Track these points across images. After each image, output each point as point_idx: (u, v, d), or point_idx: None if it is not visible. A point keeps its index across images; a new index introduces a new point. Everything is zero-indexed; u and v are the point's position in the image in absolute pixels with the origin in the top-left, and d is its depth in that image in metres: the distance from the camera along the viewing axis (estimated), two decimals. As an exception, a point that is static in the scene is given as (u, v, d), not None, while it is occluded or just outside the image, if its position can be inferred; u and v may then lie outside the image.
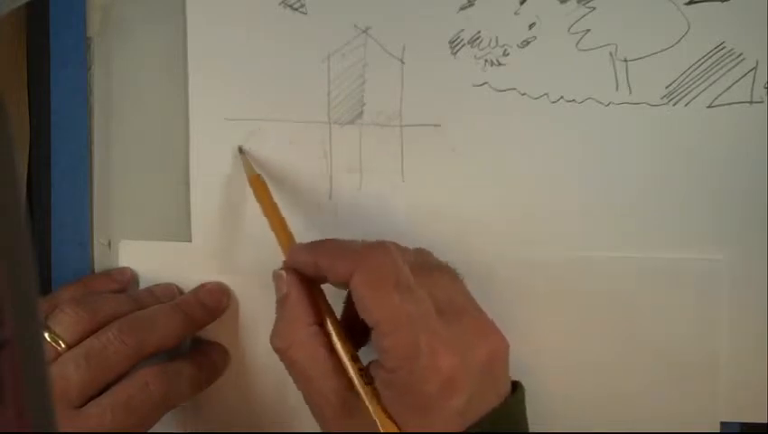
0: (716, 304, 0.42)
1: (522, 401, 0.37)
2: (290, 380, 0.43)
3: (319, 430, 0.42)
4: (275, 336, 0.37)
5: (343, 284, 0.35)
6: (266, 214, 0.40)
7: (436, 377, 0.33)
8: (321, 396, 0.35)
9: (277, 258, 0.42)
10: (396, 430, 0.33)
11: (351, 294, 0.35)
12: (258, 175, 0.41)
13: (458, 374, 0.34)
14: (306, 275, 0.37)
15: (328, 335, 0.36)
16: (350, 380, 0.35)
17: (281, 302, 0.37)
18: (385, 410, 0.34)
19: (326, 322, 0.36)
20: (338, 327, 0.36)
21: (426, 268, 0.37)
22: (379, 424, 0.34)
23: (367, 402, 0.34)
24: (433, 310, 0.35)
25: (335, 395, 0.35)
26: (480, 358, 0.35)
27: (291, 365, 0.36)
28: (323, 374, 0.35)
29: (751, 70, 0.40)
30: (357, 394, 0.35)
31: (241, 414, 0.44)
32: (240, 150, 0.42)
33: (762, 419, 0.42)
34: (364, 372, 0.35)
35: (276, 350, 0.36)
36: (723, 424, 0.42)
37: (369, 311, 0.34)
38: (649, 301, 0.42)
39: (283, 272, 0.37)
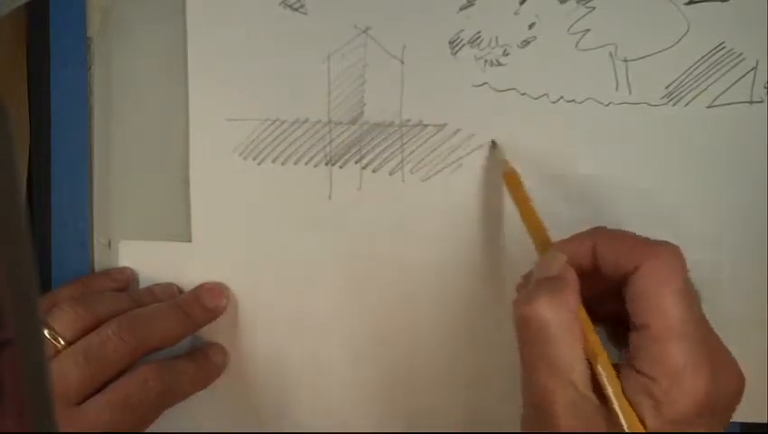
0: (716, 304, 0.42)
1: None
2: (290, 380, 0.43)
3: (319, 430, 0.42)
4: (532, 305, 0.33)
5: (620, 274, 0.33)
6: (521, 211, 0.39)
7: (692, 399, 0.31)
8: (563, 377, 0.32)
9: (276, 258, 0.42)
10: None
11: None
12: (513, 170, 0.40)
13: (710, 402, 0.32)
14: (574, 265, 0.34)
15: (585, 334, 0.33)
16: (590, 382, 0.33)
17: (547, 280, 0.34)
18: (638, 415, 0.32)
19: (584, 321, 0.34)
20: (595, 335, 0.34)
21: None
22: (624, 425, 0.31)
23: (616, 406, 0.32)
24: (704, 322, 0.33)
25: (579, 385, 0.32)
26: (729, 392, 0.33)
27: (541, 339, 0.33)
28: (575, 360, 0.32)
29: (751, 70, 0.40)
30: (594, 398, 0.32)
31: (241, 414, 0.44)
32: (494, 144, 0.41)
33: (762, 419, 0.42)
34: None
35: (529, 319, 0.33)
36: (723, 424, 0.42)
37: (648, 311, 0.32)
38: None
39: (561, 255, 0.35)
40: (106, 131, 0.44)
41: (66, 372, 0.37)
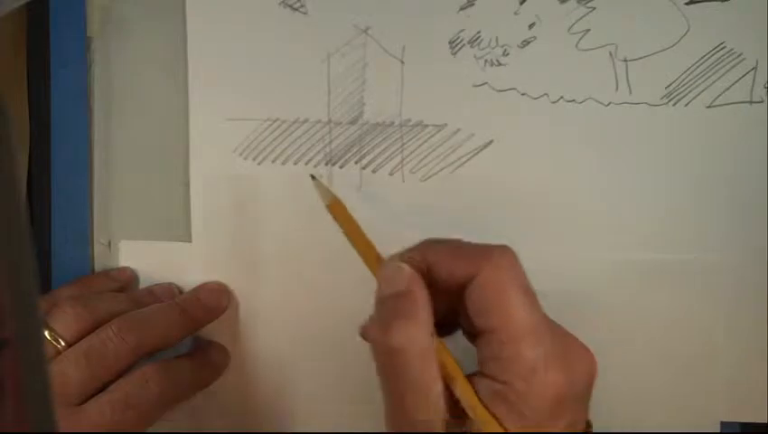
0: (715, 304, 0.42)
1: None
2: (289, 380, 0.43)
3: (319, 430, 0.42)
4: (388, 331, 0.32)
5: (458, 285, 0.33)
6: (350, 236, 0.37)
7: (549, 395, 0.31)
8: (423, 413, 0.32)
9: (277, 258, 0.42)
10: None
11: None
12: (337, 200, 0.38)
13: (565, 394, 0.32)
14: None
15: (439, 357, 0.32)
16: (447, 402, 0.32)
17: (399, 297, 0.33)
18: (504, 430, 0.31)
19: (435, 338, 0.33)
20: (448, 351, 0.33)
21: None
22: None
23: (478, 422, 0.31)
24: (547, 320, 0.33)
25: (439, 416, 0.32)
26: (582, 380, 0.33)
27: (396, 371, 0.32)
28: (433, 392, 0.32)
29: (751, 70, 0.40)
30: (458, 417, 0.32)
31: (241, 414, 0.44)
32: (312, 177, 0.39)
33: (762, 419, 0.42)
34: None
35: (388, 348, 0.32)
36: (722, 424, 0.42)
37: (493, 316, 0.32)
38: (648, 301, 0.42)
39: (405, 265, 0.33)
40: (106, 131, 0.44)
41: (66, 372, 0.37)
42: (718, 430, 0.42)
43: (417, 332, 0.32)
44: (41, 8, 0.42)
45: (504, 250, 0.33)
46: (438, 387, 0.32)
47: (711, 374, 0.42)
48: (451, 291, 0.33)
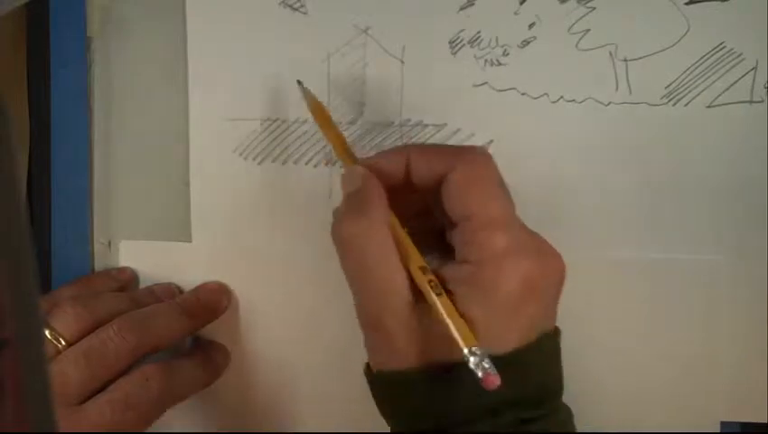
0: (715, 304, 0.42)
1: (559, 341, 0.36)
2: (289, 379, 0.43)
3: (319, 430, 0.42)
4: (341, 224, 0.34)
5: (435, 180, 0.34)
6: (329, 137, 0.39)
7: (519, 279, 0.32)
8: (386, 299, 0.33)
9: (277, 257, 0.42)
10: (473, 337, 0.31)
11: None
12: (320, 103, 0.40)
13: (536, 283, 0.33)
14: (385, 180, 0.35)
15: (398, 240, 0.34)
16: (412, 286, 0.33)
17: (351, 195, 0.35)
18: (462, 314, 0.32)
19: (395, 227, 0.34)
20: (405, 234, 0.34)
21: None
22: (454, 330, 0.32)
23: (441, 308, 0.32)
24: (517, 217, 0.34)
25: (403, 300, 0.33)
26: (552, 274, 0.34)
27: (355, 259, 0.34)
28: (393, 276, 0.33)
29: (751, 70, 0.40)
30: (423, 301, 0.33)
31: (241, 414, 0.44)
32: (299, 82, 0.41)
33: (762, 419, 0.42)
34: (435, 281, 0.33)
35: (344, 238, 0.34)
36: (723, 424, 0.42)
37: (469, 202, 0.33)
38: (648, 301, 0.42)
39: (358, 167, 0.36)
40: (106, 131, 0.43)
41: (66, 372, 0.37)
42: (718, 430, 0.42)
43: (369, 223, 0.34)
44: (41, 8, 0.42)
45: (480, 149, 0.36)
46: (399, 276, 0.33)
47: (711, 374, 0.42)
48: (430, 187, 0.35)
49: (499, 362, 0.31)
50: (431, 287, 0.33)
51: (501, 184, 0.34)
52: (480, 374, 0.31)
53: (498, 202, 0.34)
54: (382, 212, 0.34)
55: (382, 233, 0.34)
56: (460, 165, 0.34)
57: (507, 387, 0.31)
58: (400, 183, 0.36)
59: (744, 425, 0.42)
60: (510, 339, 0.33)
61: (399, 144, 0.42)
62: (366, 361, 0.35)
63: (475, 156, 0.35)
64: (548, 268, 0.34)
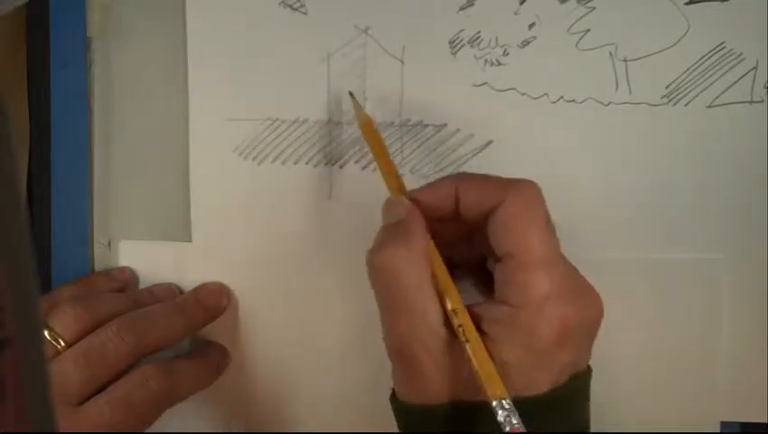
0: (716, 304, 0.42)
1: (590, 379, 0.36)
2: (289, 380, 0.43)
3: (319, 430, 0.42)
4: (378, 252, 0.34)
5: (483, 213, 0.34)
6: (378, 160, 0.39)
7: (556, 325, 0.32)
8: (417, 331, 0.33)
9: (277, 258, 0.42)
10: (503, 388, 0.31)
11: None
12: (369, 120, 0.40)
13: (572, 328, 0.32)
14: (431, 212, 0.35)
15: (435, 274, 0.34)
16: (447, 321, 0.33)
17: (393, 225, 0.35)
18: (491, 352, 0.32)
19: (435, 262, 0.34)
20: (446, 271, 0.34)
21: None
22: (484, 379, 0.32)
23: (473, 356, 0.32)
24: (563, 257, 0.34)
25: (435, 335, 0.33)
26: (589, 318, 0.34)
27: (389, 288, 0.33)
28: (426, 308, 0.33)
29: (751, 70, 0.40)
30: (455, 338, 0.33)
31: (241, 414, 0.44)
32: (351, 94, 0.41)
33: (762, 419, 0.42)
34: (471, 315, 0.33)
35: (378, 266, 0.34)
36: (723, 424, 0.42)
37: (514, 240, 0.33)
38: (649, 301, 0.42)
39: (403, 198, 0.36)
40: (106, 131, 0.43)
41: (66, 372, 0.37)
42: (718, 430, 0.42)
43: (408, 253, 0.33)
44: (41, 8, 0.42)
45: (530, 184, 0.34)
46: (434, 309, 0.33)
47: (711, 374, 0.42)
48: (478, 220, 0.34)
49: (528, 405, 0.31)
50: (461, 333, 0.33)
51: (547, 220, 0.34)
52: (507, 428, 0.31)
53: (541, 240, 0.33)
54: (423, 245, 0.34)
55: (421, 264, 0.33)
56: (508, 200, 0.33)
57: (537, 428, 0.31)
58: (447, 215, 0.35)
59: (744, 425, 0.42)
60: (542, 383, 0.33)
61: (399, 144, 0.42)
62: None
63: (523, 191, 0.34)
64: (587, 312, 0.34)
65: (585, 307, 0.34)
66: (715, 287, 0.42)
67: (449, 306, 0.33)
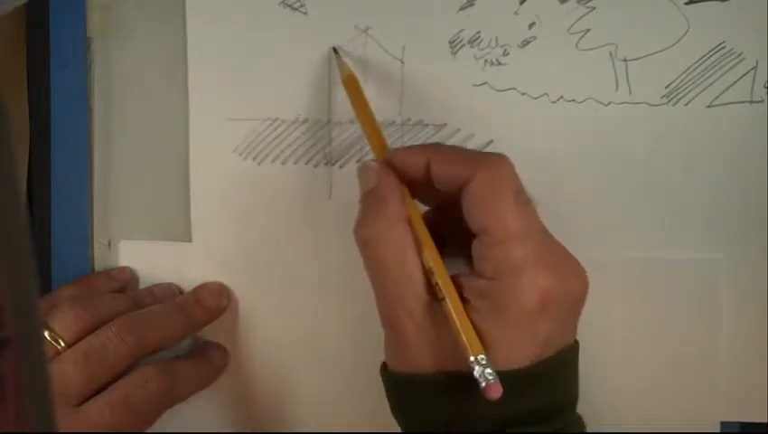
0: (715, 304, 0.42)
1: (577, 354, 0.36)
2: (289, 380, 0.43)
3: (319, 430, 0.42)
4: (361, 226, 0.35)
5: (455, 187, 0.34)
6: (359, 116, 0.39)
7: (535, 296, 0.32)
8: (402, 298, 0.33)
9: (277, 258, 0.42)
10: (480, 346, 0.31)
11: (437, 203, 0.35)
12: (352, 74, 0.40)
13: (553, 299, 0.32)
14: (406, 176, 0.35)
15: (416, 238, 0.34)
16: (433, 288, 0.33)
17: (368, 194, 0.35)
18: (473, 323, 0.32)
19: (414, 223, 0.34)
20: (426, 231, 0.34)
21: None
22: (463, 336, 0.32)
23: (452, 312, 0.32)
24: (541, 228, 0.34)
25: (418, 300, 0.33)
26: (572, 290, 0.34)
27: (373, 260, 0.34)
28: (409, 276, 0.33)
29: (751, 69, 0.40)
30: (439, 304, 0.33)
31: (241, 414, 0.44)
32: (335, 50, 0.41)
33: (762, 419, 0.42)
34: (453, 282, 0.33)
35: (362, 241, 0.34)
36: (723, 424, 0.42)
37: (485, 216, 0.32)
38: (649, 301, 0.42)
39: (374, 163, 0.36)
40: (106, 131, 0.43)
41: (66, 373, 0.37)
42: (718, 430, 0.42)
43: (386, 225, 0.34)
44: (41, 8, 0.42)
45: (500, 158, 0.34)
46: (416, 275, 0.33)
47: (711, 374, 0.42)
48: (452, 191, 0.34)
49: (513, 377, 0.31)
50: (438, 291, 0.33)
51: (520, 192, 0.34)
52: (483, 383, 0.31)
53: (514, 212, 0.33)
54: (398, 210, 0.34)
55: (398, 233, 0.34)
56: (478, 175, 0.33)
57: (521, 401, 0.31)
58: (422, 181, 0.35)
59: (744, 425, 0.42)
60: (525, 355, 0.33)
61: (399, 143, 0.42)
62: (381, 360, 0.36)
63: (493, 165, 0.34)
64: (568, 282, 0.33)
65: (567, 277, 0.33)
66: (715, 287, 0.42)
67: (426, 265, 0.34)
